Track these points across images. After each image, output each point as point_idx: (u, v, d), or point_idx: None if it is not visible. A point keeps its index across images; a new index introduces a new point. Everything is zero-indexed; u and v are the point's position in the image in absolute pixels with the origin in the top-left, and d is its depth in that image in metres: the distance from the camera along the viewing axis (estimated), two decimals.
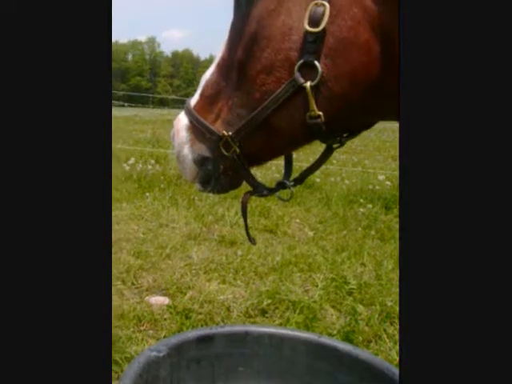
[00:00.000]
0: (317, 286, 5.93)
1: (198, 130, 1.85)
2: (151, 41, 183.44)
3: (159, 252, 6.93)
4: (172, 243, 7.27)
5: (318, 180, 11.28)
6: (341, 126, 1.77)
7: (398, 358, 4.08)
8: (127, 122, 31.97)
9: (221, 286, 5.93)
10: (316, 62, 1.58)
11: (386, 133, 27.01)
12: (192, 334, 2.61)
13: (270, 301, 5.48)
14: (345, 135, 1.84)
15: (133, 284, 5.94)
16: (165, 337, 4.61)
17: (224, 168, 1.86)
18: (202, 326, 4.92)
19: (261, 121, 1.70)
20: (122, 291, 5.73)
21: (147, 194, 10.40)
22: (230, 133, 1.76)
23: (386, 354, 4.57)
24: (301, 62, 1.59)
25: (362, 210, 9.50)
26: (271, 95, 1.66)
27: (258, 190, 1.92)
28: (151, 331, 4.90)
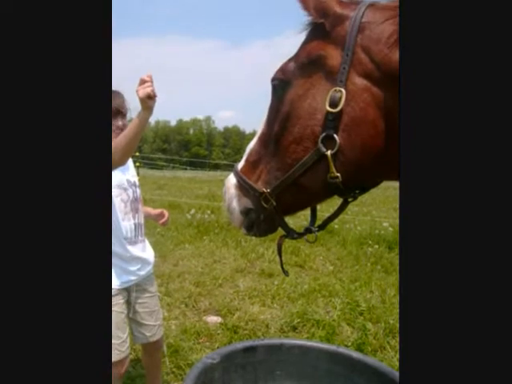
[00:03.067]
0: (335, 308, 5.88)
1: (243, 187, 1.86)
2: (208, 119, 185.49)
3: (213, 282, 6.96)
4: (223, 275, 7.31)
5: (336, 226, 11.21)
6: (354, 184, 1.76)
7: (398, 364, 4.02)
8: (189, 181, 32.23)
9: (261, 308, 5.92)
10: (335, 135, 1.58)
11: (389, 190, 26.76)
12: (239, 345, 2.60)
13: (299, 320, 5.47)
14: (357, 191, 1.84)
15: (193, 307, 5.97)
16: (218, 348, 4.60)
17: (264, 217, 1.86)
18: (247, 339, 4.90)
19: (292, 180, 1.71)
20: (185, 312, 5.76)
21: (204, 237, 10.46)
22: (269, 190, 1.76)
23: (389, 361, 4.55)
24: (323, 135, 1.60)
25: (370, 249, 9.41)
26: (300, 161, 1.67)
27: (290, 234, 1.92)
28: (207, 343, 4.91)
